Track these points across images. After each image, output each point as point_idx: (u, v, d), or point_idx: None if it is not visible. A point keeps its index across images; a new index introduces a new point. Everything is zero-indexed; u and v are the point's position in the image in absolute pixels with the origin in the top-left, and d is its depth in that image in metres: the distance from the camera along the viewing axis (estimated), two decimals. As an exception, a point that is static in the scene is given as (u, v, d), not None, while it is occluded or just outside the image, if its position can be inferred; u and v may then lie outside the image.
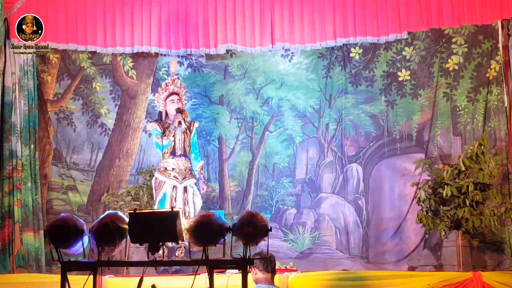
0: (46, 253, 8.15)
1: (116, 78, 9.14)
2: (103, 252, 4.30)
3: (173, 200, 7.45)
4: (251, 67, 9.17)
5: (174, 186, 7.51)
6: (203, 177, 7.90)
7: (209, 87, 9.16)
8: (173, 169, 7.55)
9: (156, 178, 7.61)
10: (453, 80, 8.56)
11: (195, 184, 7.70)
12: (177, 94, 7.77)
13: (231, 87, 9.18)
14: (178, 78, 8.12)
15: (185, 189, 7.57)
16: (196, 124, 7.93)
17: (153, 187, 7.66)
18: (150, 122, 8.02)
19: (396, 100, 8.76)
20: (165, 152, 7.59)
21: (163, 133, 7.55)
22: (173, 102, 7.70)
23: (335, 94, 8.95)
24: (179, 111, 7.62)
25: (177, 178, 7.52)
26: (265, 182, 9.02)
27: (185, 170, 7.60)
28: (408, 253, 8.30)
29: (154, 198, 7.63)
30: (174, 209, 4.31)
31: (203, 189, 7.78)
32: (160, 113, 7.86)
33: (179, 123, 7.55)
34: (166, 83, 7.89)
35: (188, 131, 7.73)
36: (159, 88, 7.95)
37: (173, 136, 7.58)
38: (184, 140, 7.65)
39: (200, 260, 4.20)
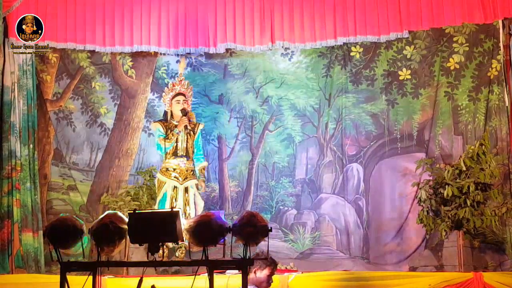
0: (45, 254, 8.13)
1: (116, 77, 9.12)
2: (103, 252, 4.27)
3: (173, 200, 7.42)
4: (250, 66, 9.14)
5: (175, 187, 7.49)
6: (203, 175, 7.86)
7: (208, 86, 9.13)
8: (174, 169, 7.53)
9: (158, 178, 7.59)
10: (454, 79, 8.53)
11: (196, 184, 7.69)
12: (183, 95, 7.73)
13: (230, 86, 9.16)
14: (186, 79, 8.06)
15: (186, 189, 7.55)
16: (201, 126, 7.90)
17: (156, 187, 7.65)
18: (154, 122, 7.98)
19: (396, 99, 8.74)
20: (167, 153, 7.57)
21: (166, 135, 7.53)
22: (178, 103, 7.67)
23: (335, 93, 8.92)
24: (185, 112, 7.59)
25: (178, 179, 7.50)
26: (265, 182, 8.99)
27: (186, 171, 7.57)
28: (409, 254, 8.28)
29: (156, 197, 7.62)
30: (174, 209, 4.28)
31: (201, 186, 7.70)
32: (165, 112, 7.82)
33: (185, 127, 7.53)
34: (173, 83, 7.85)
35: (192, 133, 7.70)
36: (166, 88, 7.92)
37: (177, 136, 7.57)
38: (187, 141, 7.63)
39: (200, 261, 4.18)
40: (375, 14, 8.43)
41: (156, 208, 7.43)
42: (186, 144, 7.63)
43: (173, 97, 7.72)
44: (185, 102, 7.69)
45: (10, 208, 8.22)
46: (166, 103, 7.78)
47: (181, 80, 7.88)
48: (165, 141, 7.50)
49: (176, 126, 7.61)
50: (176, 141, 7.58)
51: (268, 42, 8.58)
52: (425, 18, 8.34)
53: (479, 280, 6.20)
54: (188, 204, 7.49)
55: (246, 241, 4.12)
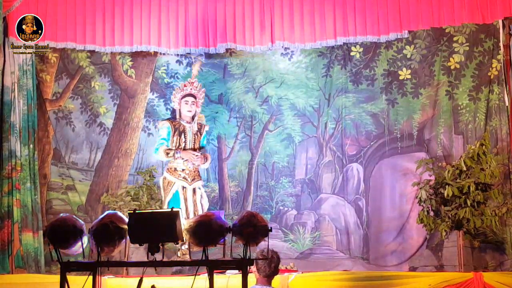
0: (46, 254, 8.12)
1: (115, 77, 9.11)
2: (103, 252, 4.28)
3: (185, 200, 7.41)
4: (250, 66, 9.14)
5: (184, 187, 7.48)
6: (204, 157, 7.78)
7: (208, 86, 9.08)
8: (182, 170, 7.51)
9: (165, 178, 7.55)
10: (455, 79, 8.53)
11: (201, 185, 7.69)
12: (194, 96, 7.69)
13: (230, 86, 9.15)
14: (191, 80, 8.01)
15: (194, 190, 7.54)
16: (207, 128, 7.89)
17: (161, 186, 7.60)
18: (163, 120, 7.92)
19: (397, 99, 8.74)
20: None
21: (173, 134, 7.51)
22: (187, 104, 7.64)
23: (334, 93, 8.92)
24: (192, 117, 7.58)
25: (186, 180, 7.49)
26: (265, 181, 8.98)
27: (194, 172, 7.56)
28: (410, 254, 8.28)
29: (162, 197, 7.57)
30: (174, 209, 4.28)
31: (202, 161, 7.66)
32: (174, 110, 7.80)
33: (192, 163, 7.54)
34: (184, 84, 7.80)
35: (198, 133, 7.70)
36: (177, 88, 7.84)
37: (184, 136, 7.56)
38: (195, 142, 7.62)
39: (200, 261, 4.18)
40: (375, 14, 8.41)
41: (165, 207, 7.39)
42: (194, 145, 7.62)
43: (183, 97, 7.69)
44: (193, 104, 7.66)
45: (10, 208, 8.21)
46: (175, 101, 7.75)
47: (193, 82, 7.80)
48: (166, 154, 7.49)
49: (184, 127, 7.58)
50: (185, 142, 7.57)
51: (268, 42, 8.57)
52: (425, 18, 8.32)
53: (479, 280, 6.18)
54: (195, 206, 7.48)
55: (246, 241, 4.12)
